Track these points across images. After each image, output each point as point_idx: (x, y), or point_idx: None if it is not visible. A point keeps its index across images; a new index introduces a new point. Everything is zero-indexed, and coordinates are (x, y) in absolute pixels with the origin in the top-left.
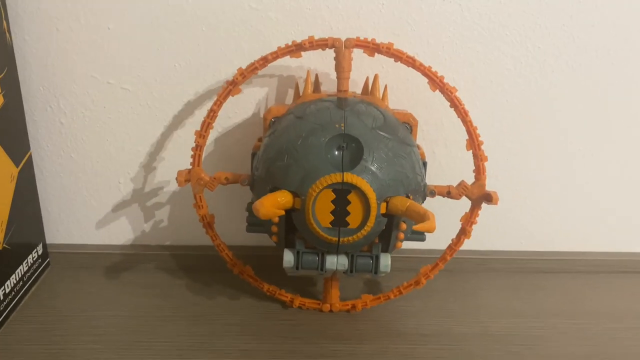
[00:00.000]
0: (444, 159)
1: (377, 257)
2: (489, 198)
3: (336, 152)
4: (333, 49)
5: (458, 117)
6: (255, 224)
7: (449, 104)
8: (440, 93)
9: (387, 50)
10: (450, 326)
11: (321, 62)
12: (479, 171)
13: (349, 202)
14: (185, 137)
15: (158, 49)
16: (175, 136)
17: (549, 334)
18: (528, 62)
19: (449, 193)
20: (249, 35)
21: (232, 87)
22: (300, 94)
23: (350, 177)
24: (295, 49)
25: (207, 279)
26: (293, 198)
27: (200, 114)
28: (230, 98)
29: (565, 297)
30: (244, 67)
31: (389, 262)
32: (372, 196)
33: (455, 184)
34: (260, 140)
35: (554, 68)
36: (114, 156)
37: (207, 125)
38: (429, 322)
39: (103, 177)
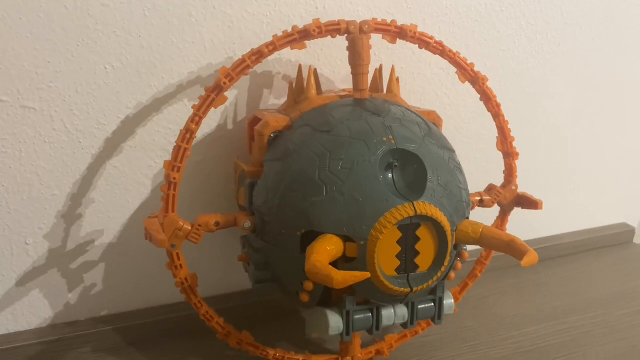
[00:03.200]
0: None
1: (441, 299)
2: (531, 204)
3: (389, 175)
4: (346, 35)
5: (489, 111)
6: (266, 280)
7: (480, 96)
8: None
9: (413, 35)
10: (486, 351)
11: (299, 52)
12: (511, 172)
13: (417, 239)
14: (124, 169)
15: (78, 45)
16: (109, 168)
17: (577, 336)
18: (521, 42)
19: (481, 202)
20: (210, 20)
21: (215, 95)
22: (298, 96)
23: (423, 208)
24: (299, 38)
25: (173, 352)
26: (344, 243)
27: (147, 134)
28: (183, 106)
29: (565, 288)
30: (211, 63)
31: (453, 300)
32: (448, 228)
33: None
34: (252, 164)
35: (544, 47)
36: (16, 207)
37: (182, 152)
38: (461, 351)
39: (0, 239)
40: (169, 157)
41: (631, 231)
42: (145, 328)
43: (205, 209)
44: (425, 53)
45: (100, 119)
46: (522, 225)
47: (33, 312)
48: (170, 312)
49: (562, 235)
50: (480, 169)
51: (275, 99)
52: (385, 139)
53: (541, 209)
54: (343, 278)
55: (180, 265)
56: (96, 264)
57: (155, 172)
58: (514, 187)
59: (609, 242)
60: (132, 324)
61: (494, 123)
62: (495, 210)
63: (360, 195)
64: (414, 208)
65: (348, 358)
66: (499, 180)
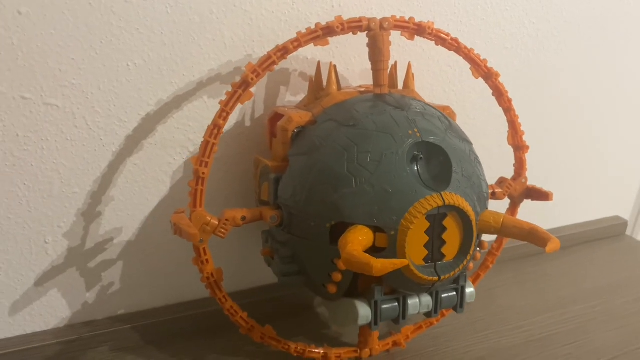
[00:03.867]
0: None
1: (463, 288)
2: (541, 195)
3: (415, 167)
4: (366, 32)
5: (500, 106)
6: (292, 273)
7: (492, 91)
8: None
9: (431, 32)
10: (498, 340)
11: (314, 49)
12: (522, 165)
13: (444, 229)
14: (144, 167)
15: (101, 41)
16: (129, 166)
17: (582, 324)
18: (524, 40)
19: (493, 194)
20: (230, 17)
21: (242, 90)
22: (317, 92)
23: (451, 198)
24: (323, 34)
25: (192, 349)
26: (374, 234)
27: (167, 132)
28: (203, 103)
29: (565, 279)
30: (230, 60)
31: (473, 289)
32: (474, 218)
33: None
34: (274, 159)
35: (544, 45)
36: (37, 205)
37: (210, 147)
38: (474, 341)
39: (20, 238)
40: (188, 155)
41: (624, 224)
42: (164, 326)
43: (223, 205)
44: (434, 51)
45: (122, 116)
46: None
47: (51, 312)
48: (189, 310)
49: (558, 228)
50: (484, 164)
51: (291, 95)
52: (410, 132)
53: (552, 200)
54: (382, 265)
55: (207, 260)
56: (114, 262)
57: (175, 169)
58: (524, 180)
59: (602, 234)
60: (150, 322)
61: (505, 117)
62: (502, 203)
63: (389, 186)
64: (442, 198)
65: (367, 350)
66: (500, 175)
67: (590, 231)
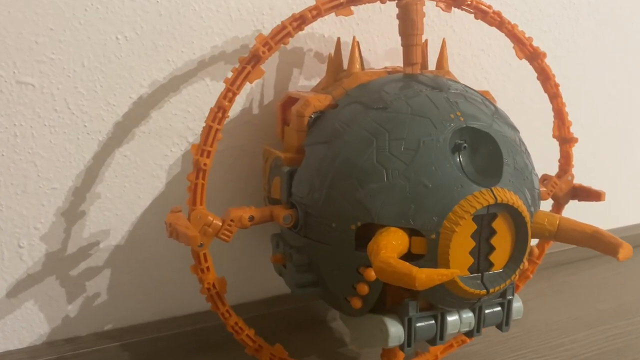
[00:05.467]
0: None
1: (510, 303)
2: (591, 195)
3: (457, 158)
4: (396, 1)
5: (546, 92)
6: (309, 283)
7: (537, 75)
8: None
9: (470, 3)
10: None
11: (332, 27)
12: (568, 161)
13: (492, 233)
14: (135, 159)
15: (86, 9)
16: (118, 158)
17: (630, 342)
18: (563, 23)
19: None
20: None
21: (252, 66)
22: (337, 73)
23: (504, 195)
24: (346, 2)
25: None
26: (409, 238)
27: (163, 119)
28: (205, 86)
29: (604, 290)
30: (237, 36)
31: (521, 303)
32: (529, 219)
33: None
34: (287, 150)
35: (585, 29)
36: (9, 203)
37: (213, 134)
38: None
39: None
40: (187, 145)
41: None
42: (157, 343)
43: (226, 205)
44: (465, 31)
45: (110, 99)
46: None
47: (26, 328)
48: (186, 325)
49: None
50: None
51: (305, 79)
52: (452, 115)
53: (604, 199)
54: (427, 277)
55: (208, 268)
56: (100, 270)
57: (171, 163)
58: (570, 178)
59: None
60: (142, 339)
61: (549, 107)
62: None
63: (429, 180)
64: (494, 195)
65: None
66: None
67: (630, 237)
